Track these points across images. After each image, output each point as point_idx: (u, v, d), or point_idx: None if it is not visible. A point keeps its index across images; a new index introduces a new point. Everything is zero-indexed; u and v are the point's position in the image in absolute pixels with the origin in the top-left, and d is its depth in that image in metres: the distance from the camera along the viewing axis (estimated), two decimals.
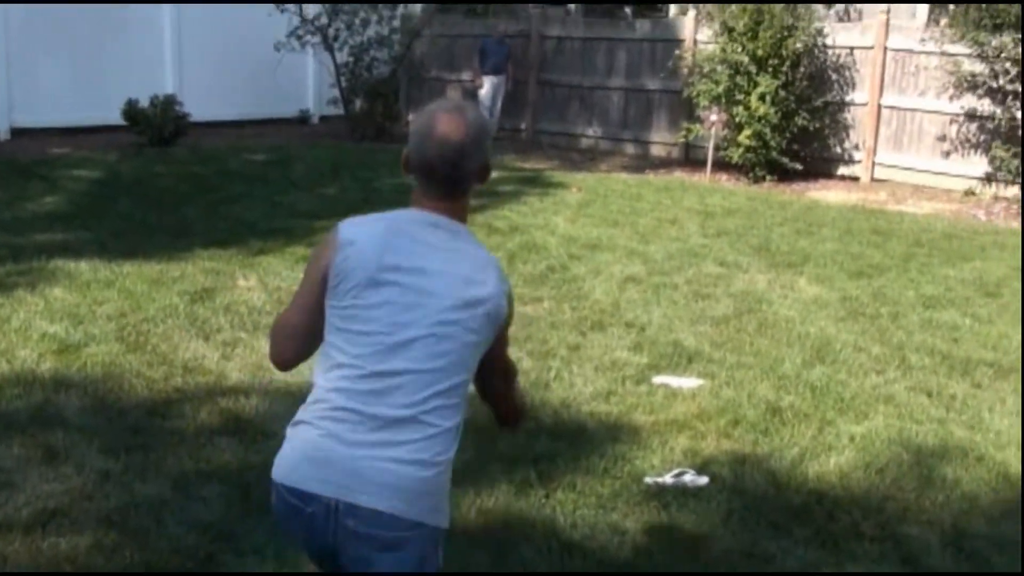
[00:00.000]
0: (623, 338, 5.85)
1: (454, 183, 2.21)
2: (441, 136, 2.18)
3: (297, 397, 2.41)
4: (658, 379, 5.21)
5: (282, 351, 2.34)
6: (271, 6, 13.70)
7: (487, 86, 14.89)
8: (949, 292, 7.09)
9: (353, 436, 2.10)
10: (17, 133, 12.98)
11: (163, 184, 10.03)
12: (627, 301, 6.63)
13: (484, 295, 2.17)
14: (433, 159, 2.18)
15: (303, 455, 2.14)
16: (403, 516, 2.08)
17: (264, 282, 6.64)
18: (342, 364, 2.15)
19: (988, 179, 11.27)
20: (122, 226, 8.10)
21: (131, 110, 12.51)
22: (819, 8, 13.22)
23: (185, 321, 5.73)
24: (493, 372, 2.36)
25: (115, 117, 12.76)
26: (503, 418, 2.54)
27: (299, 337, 2.29)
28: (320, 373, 2.20)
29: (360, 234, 2.20)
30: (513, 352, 5.62)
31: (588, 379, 5.15)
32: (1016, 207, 10.47)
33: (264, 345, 4.95)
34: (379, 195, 10.19)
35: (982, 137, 11.33)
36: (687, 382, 5.17)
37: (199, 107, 13.76)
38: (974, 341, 5.97)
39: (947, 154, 11.72)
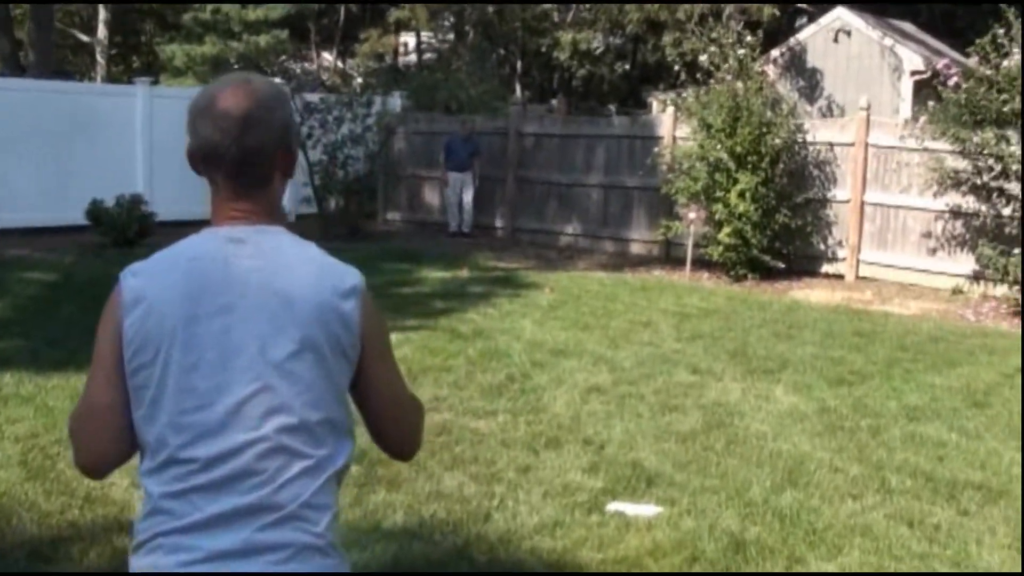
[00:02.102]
0: (579, 457, 5.37)
1: (246, 169, 1.76)
2: (221, 111, 1.75)
3: None
4: (613, 506, 4.72)
5: (91, 447, 1.77)
6: None
7: (452, 183, 14.70)
8: (935, 402, 6.63)
9: (213, 546, 1.63)
10: None
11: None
12: (588, 414, 6.17)
13: (320, 309, 1.71)
14: (213, 140, 1.75)
15: None
16: None
17: None
18: (168, 460, 1.67)
19: (976, 277, 10.91)
20: (61, 333, 7.66)
21: (95, 210, 12.21)
22: (800, 104, 13.07)
23: None
24: (380, 415, 1.86)
25: (80, 217, 12.46)
26: (392, 451, 1.98)
27: (115, 424, 1.74)
28: (145, 475, 1.72)
29: (150, 286, 1.73)
30: (455, 476, 5.23)
31: (535, 507, 4.66)
32: (1005, 307, 10.07)
33: None
34: None
35: (968, 235, 11.00)
36: (644, 510, 4.68)
37: (169, 206, 13.45)
38: (961, 459, 5.49)
39: (933, 251, 11.38)
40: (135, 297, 1.73)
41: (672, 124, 13.20)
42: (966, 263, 11.02)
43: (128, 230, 12.14)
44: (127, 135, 14.12)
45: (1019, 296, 9.87)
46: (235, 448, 1.66)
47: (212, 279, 1.73)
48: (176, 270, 1.75)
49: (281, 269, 1.75)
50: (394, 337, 7.82)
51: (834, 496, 4.88)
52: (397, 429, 1.92)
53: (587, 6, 24.25)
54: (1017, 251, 9.90)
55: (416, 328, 8.45)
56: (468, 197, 14.81)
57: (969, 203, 10.76)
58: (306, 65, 32.96)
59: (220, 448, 1.66)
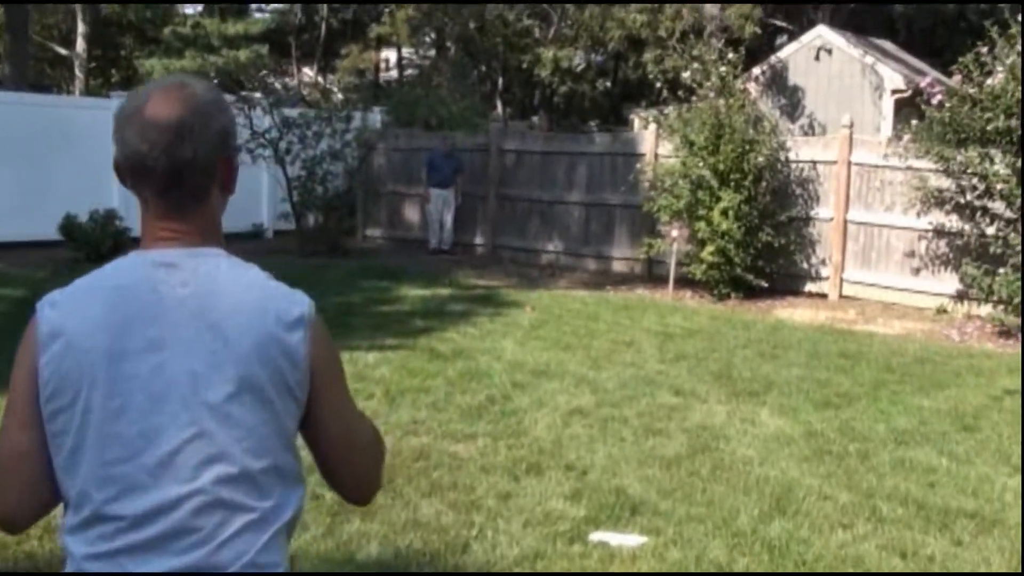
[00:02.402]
0: (561, 484, 5.20)
1: (178, 184, 1.57)
2: (149, 118, 1.55)
3: None
4: (595, 536, 4.55)
5: (5, 498, 1.56)
6: None
7: (434, 200, 14.54)
8: (923, 426, 6.50)
9: None
10: None
11: None
12: (570, 438, 6.00)
13: (261, 343, 1.52)
14: (140, 151, 1.55)
15: None
16: None
17: None
18: (93, 517, 1.48)
19: (960, 297, 10.83)
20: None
21: (68, 225, 12.01)
22: (781, 122, 12.99)
23: None
24: (333, 458, 1.66)
25: (54, 232, 12.24)
26: (346, 496, 1.78)
27: (31, 474, 1.54)
28: (68, 533, 1.52)
29: (69, 319, 1.52)
30: (433, 503, 5.05)
31: (515, 537, 4.49)
32: (990, 327, 9.98)
33: None
34: (321, 315, 9.60)
35: (951, 254, 10.93)
36: (628, 540, 4.52)
37: None
38: (952, 486, 5.35)
39: (917, 271, 11.30)
40: (52, 331, 1.53)
41: (654, 141, 13.10)
42: (950, 282, 10.95)
43: (102, 245, 11.93)
44: (103, 149, 13.82)
45: (1003, 316, 9.78)
46: (168, 503, 1.47)
47: (139, 310, 1.53)
48: (98, 300, 1.54)
49: (218, 298, 1.55)
50: (372, 357, 7.71)
51: (824, 525, 4.73)
52: (351, 473, 1.72)
53: (568, 23, 24.21)
54: (1002, 271, 9.82)
55: (395, 348, 8.27)
56: (449, 214, 14.68)
57: (953, 222, 10.69)
58: (287, 80, 32.81)
59: (151, 503, 1.48)
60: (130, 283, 1.56)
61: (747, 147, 11.40)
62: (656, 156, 12.98)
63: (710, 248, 11.40)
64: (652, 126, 13.39)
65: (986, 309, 10.33)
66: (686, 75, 12.60)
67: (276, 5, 34.40)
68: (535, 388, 7.13)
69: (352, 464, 1.71)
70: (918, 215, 11.01)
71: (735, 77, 12.34)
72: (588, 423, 6.32)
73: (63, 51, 31.33)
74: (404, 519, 4.64)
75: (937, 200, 10.71)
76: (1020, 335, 9.54)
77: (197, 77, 1.66)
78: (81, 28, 28.46)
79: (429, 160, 14.55)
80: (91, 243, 11.89)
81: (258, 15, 35.39)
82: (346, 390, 1.70)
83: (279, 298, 1.60)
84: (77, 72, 28.94)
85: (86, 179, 13.50)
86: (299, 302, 1.61)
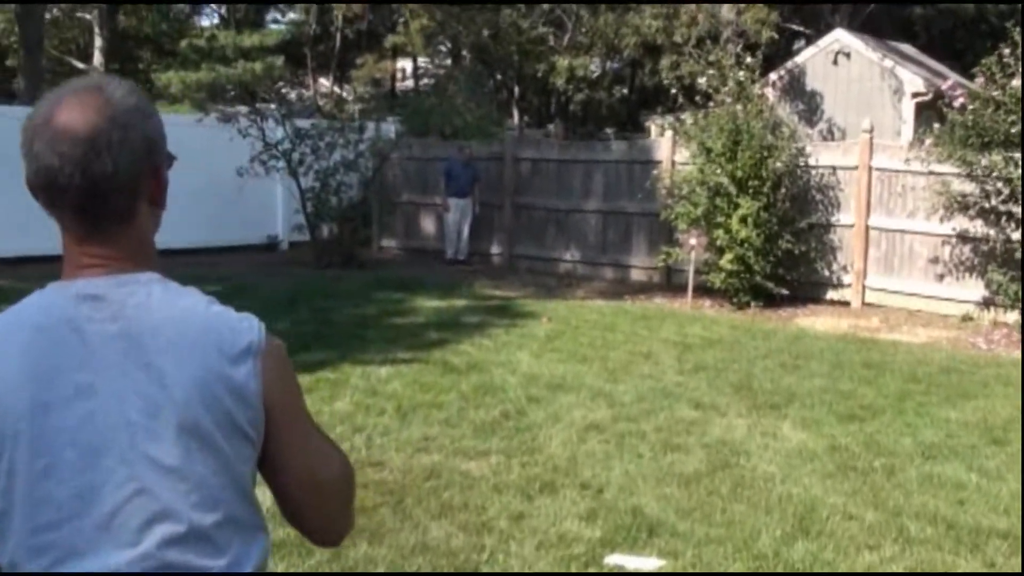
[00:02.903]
0: (576, 503, 5.04)
1: (97, 203, 1.37)
2: (61, 128, 1.35)
3: None
4: (611, 559, 4.39)
5: None
6: (232, 131, 13.22)
7: (453, 210, 14.40)
8: (951, 439, 6.29)
9: None
10: None
11: None
12: (586, 455, 5.84)
13: (203, 381, 1.34)
14: (52, 166, 1.35)
15: None
16: None
17: None
18: None
19: (986, 304, 10.59)
20: None
21: None
22: (800, 127, 12.79)
23: None
24: (295, 500, 1.48)
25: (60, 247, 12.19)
26: (313, 538, 1.61)
27: None
28: None
29: None
30: (443, 525, 4.90)
31: (527, 561, 4.33)
32: (1017, 335, 9.74)
33: None
34: (335, 328, 9.51)
35: (976, 260, 10.69)
36: (645, 563, 4.35)
37: (157, 235, 13.18)
38: (983, 503, 5.15)
39: (941, 277, 11.06)
40: None
41: (671, 148, 12.93)
42: (975, 289, 10.71)
43: None
44: None
45: None
46: (109, 572, 1.31)
47: (64, 353, 1.35)
48: (15, 345, 1.35)
49: (151, 333, 1.36)
50: (384, 371, 7.56)
51: (850, 547, 4.54)
52: (318, 516, 1.53)
53: (583, 30, 24.08)
54: None
55: (408, 361, 8.13)
56: (467, 224, 14.54)
57: (977, 227, 10.46)
58: (303, 91, 32.82)
59: (90, 573, 1.32)
60: (51, 323, 1.37)
61: (765, 153, 11.21)
62: (673, 163, 12.80)
63: (729, 256, 11.21)
64: (668, 133, 13.22)
65: (1013, 316, 10.10)
66: (702, 81, 12.44)
67: (292, 16, 34.47)
68: (550, 402, 6.97)
69: (317, 508, 1.52)
70: (941, 220, 10.78)
71: (753, 82, 12.17)
72: (604, 438, 6.15)
73: (81, 65, 31.47)
74: (413, 542, 4.49)
75: (961, 205, 10.48)
76: None
77: (118, 78, 1.46)
78: (98, 42, 28.59)
79: (447, 169, 14.41)
80: None
81: (273, 26, 35.49)
82: (308, 424, 1.50)
83: (222, 327, 1.40)
84: None
85: None
86: (247, 329, 1.41)
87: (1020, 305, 9.47)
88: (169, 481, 1.33)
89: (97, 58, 28.77)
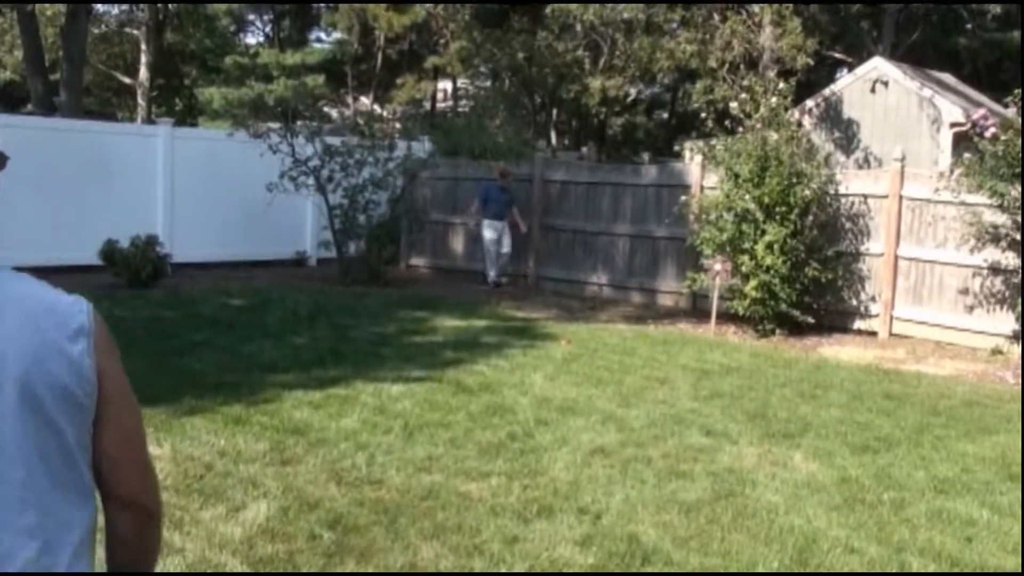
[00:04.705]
0: (572, 528, 4.96)
1: None
2: None
3: None
4: None
5: None
6: (263, 147, 13.34)
7: (489, 231, 14.37)
8: (966, 474, 6.14)
9: None
10: None
11: (119, 330, 9.33)
12: (588, 479, 5.76)
13: (39, 358, 1.41)
14: None
15: None
16: None
17: (177, 450, 5.85)
18: None
19: (1016, 337, 10.37)
20: None
21: (109, 250, 12.07)
22: (835, 155, 12.64)
23: None
24: (115, 456, 1.54)
25: (95, 257, 12.32)
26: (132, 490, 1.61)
27: None
28: None
29: None
30: (433, 546, 4.86)
31: None
32: None
33: None
34: (352, 344, 9.50)
35: (1007, 292, 10.48)
36: None
37: (189, 248, 13.37)
38: (992, 541, 5.01)
39: (971, 309, 10.86)
40: None
41: (700, 173, 12.85)
42: (1006, 322, 10.50)
43: (142, 271, 11.97)
44: (148, 176, 14.01)
45: None
46: None
47: None
48: None
49: None
50: (396, 389, 7.55)
51: None
52: (136, 469, 1.58)
53: (618, 53, 24.05)
54: None
55: (421, 380, 8.09)
56: (504, 245, 14.49)
57: (1009, 259, 10.27)
58: (343, 110, 33.10)
59: None
60: None
61: (794, 179, 11.10)
62: (702, 188, 12.72)
63: (754, 283, 11.09)
64: (698, 158, 13.14)
65: None
66: (734, 105, 12.35)
67: (336, 35, 34.79)
68: (559, 425, 6.90)
69: (135, 461, 1.58)
70: (972, 251, 10.60)
71: (786, 109, 12.06)
72: (609, 463, 6.07)
73: (127, 80, 31.99)
74: (401, 563, 4.44)
75: (992, 236, 10.30)
76: None
77: None
78: (144, 58, 29.04)
79: (484, 192, 14.36)
80: (131, 268, 11.94)
81: (316, 45, 35.86)
82: (128, 387, 1.58)
83: (55, 307, 1.48)
84: (140, 100, 29.50)
85: (130, 205, 13.63)
86: (78, 311, 1.50)
87: None
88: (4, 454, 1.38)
89: (143, 73, 29.22)
